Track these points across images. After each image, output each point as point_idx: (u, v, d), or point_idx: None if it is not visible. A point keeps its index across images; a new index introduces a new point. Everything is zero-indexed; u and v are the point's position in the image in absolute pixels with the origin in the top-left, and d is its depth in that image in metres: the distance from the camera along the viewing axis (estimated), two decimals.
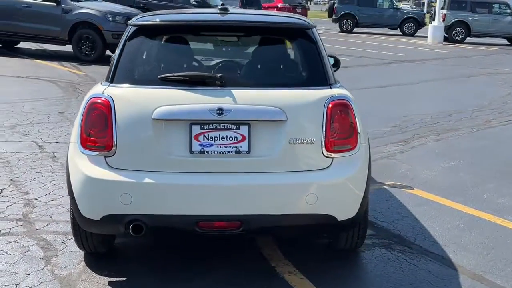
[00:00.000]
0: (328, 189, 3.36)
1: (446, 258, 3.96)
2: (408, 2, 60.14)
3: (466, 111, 9.43)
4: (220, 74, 3.40)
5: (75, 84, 10.35)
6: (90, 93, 3.48)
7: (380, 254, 3.98)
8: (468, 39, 24.95)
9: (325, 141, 3.34)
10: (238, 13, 4.27)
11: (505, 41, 25.39)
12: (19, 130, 6.94)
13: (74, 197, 3.37)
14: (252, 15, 4.34)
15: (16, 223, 4.30)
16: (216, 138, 3.27)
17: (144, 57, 3.66)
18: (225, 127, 3.27)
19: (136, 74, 3.54)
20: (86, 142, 3.32)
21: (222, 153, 3.27)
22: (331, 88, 3.51)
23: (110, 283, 3.48)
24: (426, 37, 24.21)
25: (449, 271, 3.78)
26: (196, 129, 3.26)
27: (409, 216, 4.70)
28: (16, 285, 3.42)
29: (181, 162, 3.27)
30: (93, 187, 3.30)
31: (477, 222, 4.66)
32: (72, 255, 3.81)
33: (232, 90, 3.33)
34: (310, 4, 63.88)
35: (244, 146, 3.28)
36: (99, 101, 3.33)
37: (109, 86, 3.44)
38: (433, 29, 23.77)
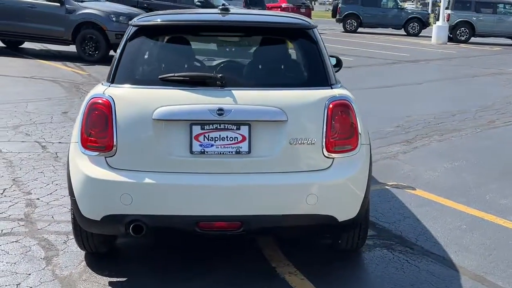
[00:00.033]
0: (328, 189, 3.35)
1: (447, 259, 3.95)
2: (412, 2, 60.04)
3: (470, 111, 9.40)
4: (220, 75, 3.40)
5: (78, 84, 10.37)
6: (91, 93, 3.49)
7: (381, 255, 3.97)
8: (473, 39, 24.89)
9: (325, 141, 3.33)
10: (239, 13, 4.27)
11: (509, 41, 25.33)
12: (22, 130, 6.95)
13: (74, 197, 3.38)
14: (253, 15, 4.34)
15: (18, 223, 4.31)
16: (216, 139, 3.27)
17: (145, 57, 3.66)
18: (226, 127, 3.26)
19: (137, 74, 3.54)
20: (86, 142, 3.33)
21: (223, 153, 3.27)
22: (332, 88, 3.50)
23: (110, 283, 3.48)
24: (430, 37, 24.16)
25: (450, 272, 3.77)
26: (197, 130, 3.26)
27: (411, 217, 4.68)
28: (17, 285, 3.43)
29: (182, 162, 3.27)
30: (93, 187, 3.30)
31: (479, 223, 4.64)
32: (73, 255, 3.81)
33: (232, 91, 3.33)
34: (315, 4, 63.85)
35: (244, 146, 3.28)
36: (99, 101, 3.33)
37: (109, 86, 3.44)
38: (438, 29, 23.72)
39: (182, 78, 3.38)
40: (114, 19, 13.07)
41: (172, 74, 3.39)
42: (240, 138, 3.27)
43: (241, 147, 3.27)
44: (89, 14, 13.18)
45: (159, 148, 3.26)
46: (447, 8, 24.29)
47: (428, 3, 43.98)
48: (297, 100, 3.37)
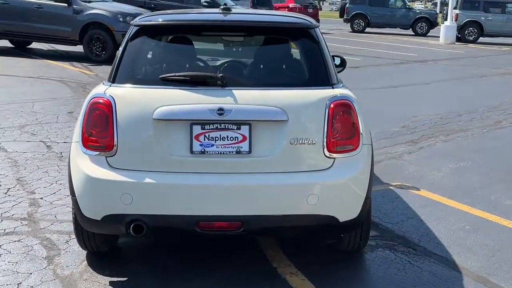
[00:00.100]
0: (329, 189, 3.34)
1: (450, 260, 3.92)
2: (421, 2, 59.81)
3: (477, 111, 9.35)
4: (221, 74, 3.39)
5: (85, 84, 10.40)
6: (92, 93, 3.49)
7: (383, 256, 3.94)
8: (481, 39, 24.77)
9: (326, 141, 3.31)
10: (240, 13, 4.25)
11: None
12: (28, 130, 6.98)
13: (75, 196, 3.39)
14: (254, 14, 4.34)
15: (21, 222, 4.32)
16: (216, 138, 3.26)
17: (146, 57, 3.66)
18: (226, 127, 3.26)
19: (138, 74, 3.54)
20: (87, 142, 3.33)
21: (223, 153, 3.26)
22: (333, 88, 3.48)
23: (111, 283, 3.49)
24: (439, 37, 24.06)
25: (452, 273, 3.74)
26: (197, 129, 3.26)
27: (415, 217, 4.66)
28: (18, 284, 3.44)
29: (182, 162, 3.27)
30: (94, 187, 3.30)
31: (484, 224, 4.61)
32: (74, 255, 3.82)
33: (233, 90, 3.32)
34: (323, 4, 63.74)
35: (245, 146, 3.27)
36: (100, 101, 3.34)
37: (110, 86, 3.45)
38: (446, 29, 23.61)
39: (182, 77, 3.37)
40: (121, 19, 13.10)
41: (173, 74, 3.39)
42: (240, 138, 3.27)
43: (241, 147, 3.26)
44: (96, 14, 13.23)
45: (159, 148, 3.26)
46: (455, 8, 24.18)
47: (437, 2, 43.76)
48: (298, 100, 3.36)
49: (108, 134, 3.28)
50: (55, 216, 4.44)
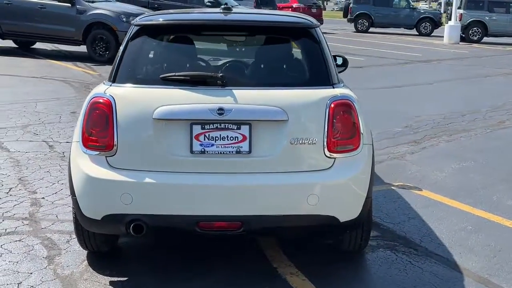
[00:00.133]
0: (330, 189, 3.33)
1: (451, 260, 3.90)
2: (425, 2, 59.70)
3: (480, 111, 9.32)
4: (221, 74, 3.39)
5: (88, 84, 10.40)
6: (92, 92, 3.49)
7: (384, 256, 3.93)
8: (485, 39, 24.69)
9: (327, 141, 3.31)
10: (241, 13, 4.25)
11: None
12: (30, 130, 6.99)
13: (75, 196, 3.39)
14: (255, 14, 4.33)
15: (22, 222, 4.33)
16: (217, 138, 3.25)
17: (146, 56, 3.66)
18: (226, 127, 3.25)
19: (138, 73, 3.54)
20: (87, 142, 3.33)
21: (223, 153, 3.26)
22: (333, 87, 3.47)
23: (111, 282, 3.49)
24: (443, 37, 24.00)
25: (453, 273, 3.72)
26: (197, 129, 3.25)
27: (416, 218, 4.64)
28: (18, 284, 3.44)
29: (182, 162, 3.26)
30: (94, 187, 3.30)
31: (485, 224, 4.59)
32: (75, 254, 3.82)
33: (233, 90, 3.31)
34: (327, 4, 63.68)
35: (245, 146, 3.26)
36: (100, 100, 3.34)
37: (111, 85, 3.45)
38: (450, 29, 23.56)
39: (183, 77, 3.37)
40: (124, 19, 13.11)
41: (173, 74, 3.39)
42: (240, 137, 3.26)
43: (241, 147, 3.26)
44: (100, 14, 13.25)
45: (159, 148, 3.25)
46: (459, 8, 24.11)
47: (442, 2, 43.63)
48: (298, 100, 3.35)
49: (108, 134, 3.28)
50: (56, 216, 4.45)
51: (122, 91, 3.38)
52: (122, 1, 15.32)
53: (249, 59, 3.96)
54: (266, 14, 4.40)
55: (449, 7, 28.51)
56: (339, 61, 4.96)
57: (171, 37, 3.79)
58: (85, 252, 3.82)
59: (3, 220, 4.34)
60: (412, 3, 28.87)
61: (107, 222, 3.31)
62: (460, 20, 23.92)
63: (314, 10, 26.67)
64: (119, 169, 3.27)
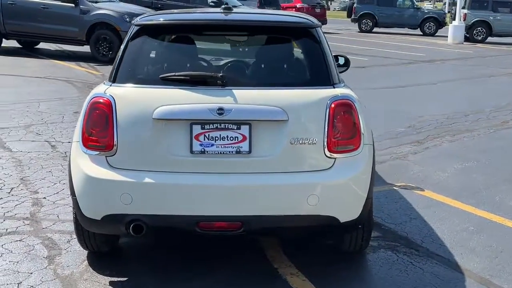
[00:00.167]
0: (330, 190, 3.32)
1: (452, 261, 3.89)
2: (430, 1, 59.56)
3: (484, 111, 9.28)
4: (221, 74, 3.38)
5: (91, 84, 10.40)
6: (93, 92, 3.49)
7: (385, 257, 3.92)
8: (490, 39, 24.61)
9: (327, 141, 3.29)
10: (241, 13, 4.24)
11: None
12: (33, 130, 7.01)
13: (75, 196, 3.38)
14: (255, 14, 4.32)
15: (23, 222, 4.33)
16: (216, 138, 3.25)
17: (146, 56, 3.65)
18: (226, 127, 3.24)
19: (138, 73, 3.53)
20: (87, 142, 3.33)
21: (223, 153, 3.25)
22: (334, 87, 3.46)
23: (111, 282, 3.48)
24: (447, 37, 23.93)
25: (455, 274, 3.71)
26: (197, 129, 3.25)
27: (418, 218, 4.62)
28: (18, 283, 3.44)
29: (182, 162, 3.26)
30: (94, 187, 3.30)
31: (487, 225, 4.57)
32: (75, 254, 3.82)
33: (233, 90, 3.31)
34: (331, 3, 63.62)
35: (245, 146, 3.25)
36: (100, 100, 3.34)
37: (111, 85, 3.45)
38: (454, 28, 23.49)
39: (182, 77, 3.37)
40: (127, 19, 13.10)
41: (173, 74, 3.38)
42: (240, 137, 3.25)
43: (241, 147, 3.25)
44: (103, 14, 13.27)
45: (159, 148, 3.25)
46: (463, 8, 24.04)
47: (446, 2, 43.52)
48: (298, 100, 3.34)
49: (108, 134, 3.27)
50: (58, 216, 4.45)
51: (122, 91, 3.38)
52: (125, 1, 15.33)
53: (249, 59, 3.95)
54: (266, 14, 4.39)
55: (453, 7, 28.42)
56: (341, 61, 4.96)
57: (171, 37, 3.78)
58: (85, 252, 3.82)
59: (4, 220, 4.35)
60: (416, 3, 28.79)
61: (107, 222, 3.31)
62: (464, 20, 23.85)
63: (318, 10, 26.64)
64: (119, 169, 3.27)
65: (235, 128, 3.25)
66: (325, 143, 3.29)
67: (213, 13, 4.22)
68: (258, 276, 3.60)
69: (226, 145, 3.25)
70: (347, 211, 3.38)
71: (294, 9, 24.21)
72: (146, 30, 3.62)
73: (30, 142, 6.49)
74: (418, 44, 22.07)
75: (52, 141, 6.56)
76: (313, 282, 3.54)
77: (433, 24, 27.24)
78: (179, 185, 3.24)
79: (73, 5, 13.34)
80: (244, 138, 3.25)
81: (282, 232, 3.51)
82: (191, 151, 3.24)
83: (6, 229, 4.19)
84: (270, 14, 4.40)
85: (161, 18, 3.74)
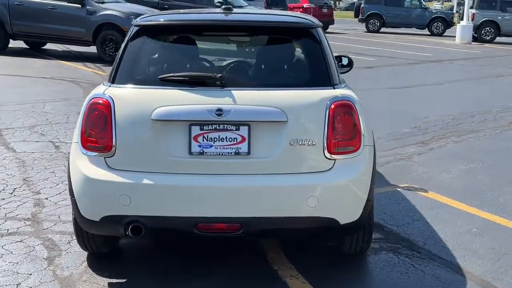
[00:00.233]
0: (330, 191, 3.29)
1: (454, 263, 3.85)
2: (439, 1, 59.30)
3: (490, 112, 9.22)
4: (220, 75, 3.36)
5: (97, 85, 10.42)
6: (92, 93, 3.49)
7: (386, 259, 3.88)
8: (498, 39, 24.46)
9: (327, 142, 3.27)
10: (241, 13, 4.22)
11: None
12: (37, 130, 7.02)
13: (74, 197, 3.38)
14: (255, 14, 4.30)
15: (24, 222, 4.33)
16: (215, 139, 3.23)
17: (146, 57, 3.63)
18: (225, 128, 3.23)
19: (137, 74, 3.52)
20: (86, 143, 3.32)
21: (222, 154, 3.23)
22: (334, 88, 3.43)
23: (110, 284, 3.48)
24: (455, 37, 23.81)
25: (456, 277, 3.67)
26: (196, 130, 3.23)
27: (421, 220, 4.59)
28: (17, 285, 3.44)
29: (180, 163, 3.24)
30: (92, 188, 3.29)
31: (491, 227, 4.53)
32: (75, 256, 3.82)
33: (232, 91, 3.29)
34: (339, 3, 63.47)
35: (243, 147, 3.23)
36: (99, 101, 3.33)
37: (110, 86, 3.44)
38: (462, 28, 23.37)
39: (181, 78, 3.35)
40: (134, 20, 13.12)
41: (172, 74, 3.37)
42: (239, 138, 3.23)
43: (240, 148, 3.23)
44: (110, 15, 13.29)
45: (158, 149, 3.23)
46: (471, 7, 23.91)
47: (455, 2, 43.32)
48: (297, 100, 3.32)
49: (106, 135, 3.27)
50: (59, 217, 4.45)
51: (121, 91, 3.37)
52: (132, 2, 15.36)
53: (249, 60, 3.93)
54: (267, 14, 4.38)
55: (461, 7, 28.28)
56: (345, 61, 4.93)
57: (171, 37, 3.77)
58: (85, 253, 3.82)
59: (5, 221, 4.35)
60: (424, 3, 28.66)
61: (105, 224, 3.30)
62: (472, 20, 23.72)
63: (325, 10, 26.60)
64: (118, 170, 3.26)
65: (234, 129, 3.23)
66: (325, 144, 3.27)
67: (213, 14, 4.20)
68: (257, 278, 3.58)
69: (225, 146, 3.23)
70: (347, 213, 3.35)
71: (301, 9, 24.18)
72: (146, 31, 3.61)
73: (34, 142, 6.50)
74: (425, 44, 21.97)
75: (56, 141, 6.57)
76: (313, 284, 3.52)
77: (441, 24, 27.11)
78: (177, 187, 3.23)
79: (79, 6, 13.37)
80: (243, 139, 3.23)
81: (281, 234, 3.49)
82: (190, 152, 3.23)
83: (7, 230, 4.19)
84: (270, 15, 4.37)
85: (161, 18, 3.73)
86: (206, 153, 3.23)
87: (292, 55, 3.78)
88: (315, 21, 3.79)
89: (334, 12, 29.94)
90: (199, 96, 3.28)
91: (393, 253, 3.97)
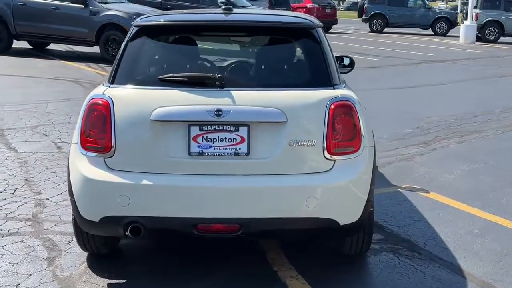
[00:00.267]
0: (329, 192, 3.28)
1: (455, 264, 3.83)
2: (443, 1, 59.18)
3: (493, 112, 9.18)
4: (219, 75, 3.35)
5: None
6: (91, 94, 3.49)
7: (387, 260, 3.87)
8: (502, 39, 24.41)
9: (326, 143, 3.26)
10: (241, 13, 4.22)
11: None
12: (40, 131, 7.03)
13: (74, 198, 3.38)
14: (255, 15, 4.29)
15: (25, 223, 4.33)
16: (214, 140, 3.22)
17: (145, 57, 3.63)
18: (224, 128, 3.22)
19: (137, 74, 3.52)
20: (86, 143, 3.32)
21: (221, 154, 3.23)
22: (334, 89, 3.42)
23: (109, 285, 3.47)
24: (458, 37, 23.76)
25: (457, 278, 3.65)
26: (195, 130, 3.22)
27: (422, 221, 4.57)
28: (17, 285, 3.44)
29: (180, 163, 3.23)
30: (91, 189, 3.29)
31: (492, 228, 4.51)
32: (75, 256, 3.82)
33: (231, 91, 3.28)
34: (343, 3, 63.43)
35: (243, 148, 3.23)
36: (99, 102, 3.33)
37: (109, 87, 3.44)
38: (466, 28, 23.31)
39: (181, 78, 3.34)
40: None
41: (171, 75, 3.36)
42: (238, 139, 3.23)
43: (239, 149, 3.22)
44: (113, 15, 13.31)
45: (157, 149, 3.23)
46: (475, 7, 23.85)
47: (458, 2, 43.23)
48: (297, 101, 3.31)
49: (106, 136, 3.26)
50: (60, 217, 4.45)
51: (120, 92, 3.37)
52: (134, 2, 15.37)
53: (249, 60, 3.92)
54: (267, 15, 4.36)
55: (465, 7, 28.20)
56: (346, 61, 4.92)
57: (170, 38, 3.76)
58: (85, 253, 3.81)
59: (6, 221, 4.35)
60: (428, 3, 28.59)
61: (104, 224, 3.30)
62: (476, 19, 23.67)
63: (328, 10, 26.56)
64: (117, 171, 3.26)
65: (233, 130, 3.22)
66: (325, 145, 3.26)
67: (213, 14, 4.20)
68: (257, 279, 3.57)
69: (224, 147, 3.22)
70: (347, 213, 3.34)
71: (304, 10, 24.15)
72: (146, 31, 3.61)
73: (36, 142, 6.51)
74: (429, 44, 21.93)
75: (58, 142, 6.58)
76: (313, 285, 3.51)
77: (444, 24, 27.05)
78: (176, 187, 3.22)
79: (82, 6, 13.40)
80: (243, 139, 3.22)
81: (281, 235, 3.48)
82: (189, 153, 3.22)
83: (8, 230, 4.20)
84: (270, 15, 4.37)
85: (160, 19, 3.73)
86: (205, 153, 3.22)
87: (292, 55, 3.77)
88: (315, 21, 3.78)
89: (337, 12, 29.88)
90: (199, 96, 3.27)
91: (394, 254, 3.96)
